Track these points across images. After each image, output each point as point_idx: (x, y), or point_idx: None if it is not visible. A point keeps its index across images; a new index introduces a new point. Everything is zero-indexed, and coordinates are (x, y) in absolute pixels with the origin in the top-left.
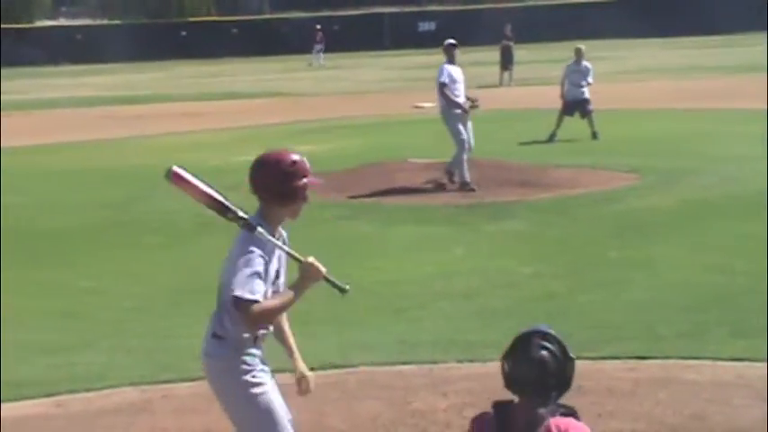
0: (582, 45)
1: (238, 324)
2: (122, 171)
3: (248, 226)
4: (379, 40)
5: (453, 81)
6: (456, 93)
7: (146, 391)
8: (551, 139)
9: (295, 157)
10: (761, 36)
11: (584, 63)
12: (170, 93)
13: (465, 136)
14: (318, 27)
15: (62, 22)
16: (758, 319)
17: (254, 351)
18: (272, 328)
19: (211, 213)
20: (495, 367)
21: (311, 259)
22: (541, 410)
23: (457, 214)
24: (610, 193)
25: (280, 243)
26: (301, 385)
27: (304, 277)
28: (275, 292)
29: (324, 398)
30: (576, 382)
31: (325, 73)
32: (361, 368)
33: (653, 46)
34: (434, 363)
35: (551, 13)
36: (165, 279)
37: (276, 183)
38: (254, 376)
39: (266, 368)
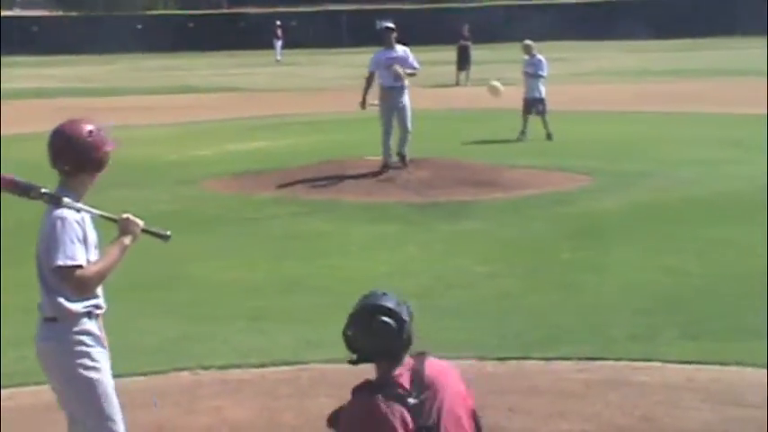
0: (530, 41)
1: (69, 299)
2: None
3: (54, 199)
4: (338, 36)
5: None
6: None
7: None
8: (521, 137)
9: (92, 126)
10: (723, 41)
11: (537, 56)
12: (125, 86)
13: (385, 119)
14: (278, 23)
15: (17, 12)
16: (709, 321)
17: (90, 329)
18: (104, 303)
19: (159, 208)
20: None
21: (126, 215)
22: (415, 365)
23: (411, 213)
24: (564, 195)
25: (89, 208)
26: None
27: (124, 233)
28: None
29: (276, 394)
30: (527, 381)
31: (282, 69)
32: (314, 365)
33: (610, 48)
34: None
35: (509, 14)
36: (115, 274)
37: (82, 154)
38: (91, 358)
39: (104, 349)
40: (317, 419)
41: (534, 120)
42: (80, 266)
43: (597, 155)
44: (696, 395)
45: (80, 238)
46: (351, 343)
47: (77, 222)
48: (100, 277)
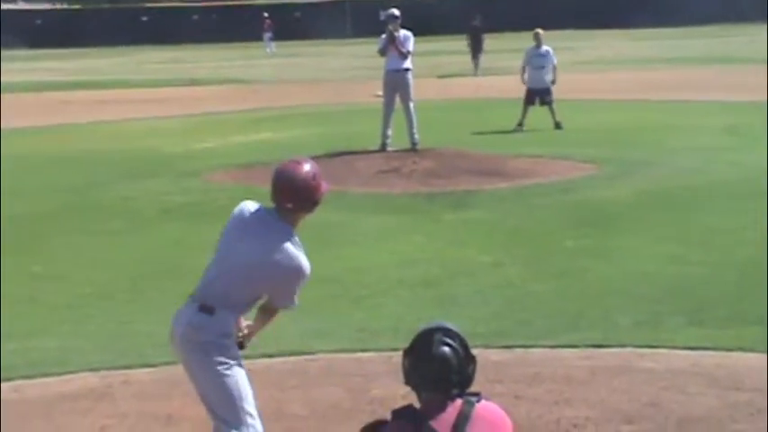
0: (540, 30)
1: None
2: (83, 156)
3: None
4: (342, 27)
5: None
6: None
7: (106, 377)
8: (518, 128)
9: (314, 169)
10: (726, 28)
11: (545, 47)
12: (131, 78)
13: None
14: (266, 15)
15: (21, 5)
16: (713, 308)
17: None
18: None
19: (170, 200)
20: None
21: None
22: (463, 407)
23: (416, 203)
24: (568, 183)
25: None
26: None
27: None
28: None
29: (283, 385)
30: (533, 369)
31: (285, 61)
32: (321, 355)
33: (614, 37)
34: (394, 350)
35: (515, 3)
36: (125, 265)
37: (306, 196)
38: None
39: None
40: (324, 410)
41: (539, 110)
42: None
43: (601, 143)
44: (701, 380)
45: None
46: (405, 368)
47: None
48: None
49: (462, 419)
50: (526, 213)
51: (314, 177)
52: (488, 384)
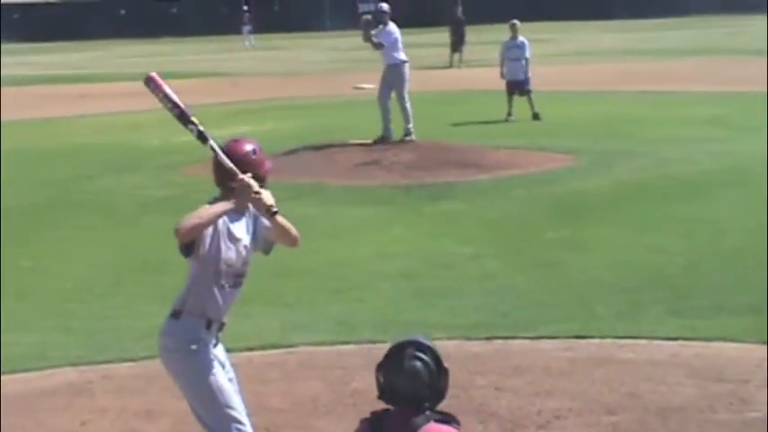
0: (517, 21)
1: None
2: (64, 150)
3: (201, 135)
4: (321, 20)
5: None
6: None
7: (85, 372)
8: (508, 118)
9: (254, 146)
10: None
11: (521, 38)
12: (110, 72)
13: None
14: (245, 8)
15: None
16: (693, 298)
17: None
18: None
19: (151, 194)
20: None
21: (248, 178)
22: (415, 419)
23: (396, 195)
24: (547, 175)
25: (225, 159)
26: None
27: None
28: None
29: (263, 378)
30: (513, 361)
31: (264, 54)
32: (301, 348)
33: (592, 29)
34: (373, 343)
35: None
36: (107, 259)
37: (250, 172)
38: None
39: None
40: (304, 402)
41: (518, 101)
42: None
43: (581, 135)
44: (681, 371)
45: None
46: (379, 382)
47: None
48: (196, 217)
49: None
50: (506, 205)
51: (254, 153)
52: (469, 376)
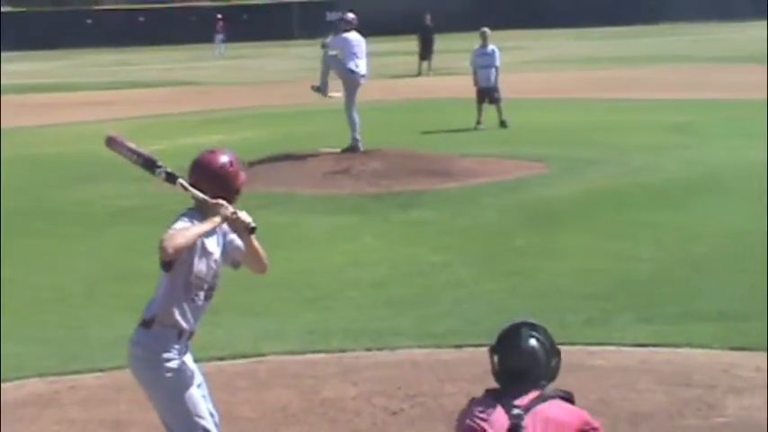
0: (486, 29)
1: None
2: (35, 160)
3: (170, 176)
4: (289, 29)
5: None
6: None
7: (54, 383)
8: (477, 126)
9: (230, 157)
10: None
11: (491, 46)
12: (77, 81)
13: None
14: (219, 16)
15: None
16: (662, 305)
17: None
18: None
19: (123, 203)
20: (404, 355)
21: (222, 201)
22: (544, 391)
23: (366, 203)
24: (517, 182)
25: (195, 191)
26: None
27: (214, 214)
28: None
29: (233, 387)
30: (484, 368)
31: (233, 62)
32: (272, 357)
33: (561, 37)
34: (344, 351)
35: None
36: (80, 269)
37: (223, 184)
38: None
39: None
40: (274, 412)
41: (486, 109)
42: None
43: (550, 142)
44: (650, 377)
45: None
46: (494, 363)
47: (190, 219)
48: (179, 236)
49: (538, 400)
50: (475, 213)
51: (231, 164)
52: (439, 384)
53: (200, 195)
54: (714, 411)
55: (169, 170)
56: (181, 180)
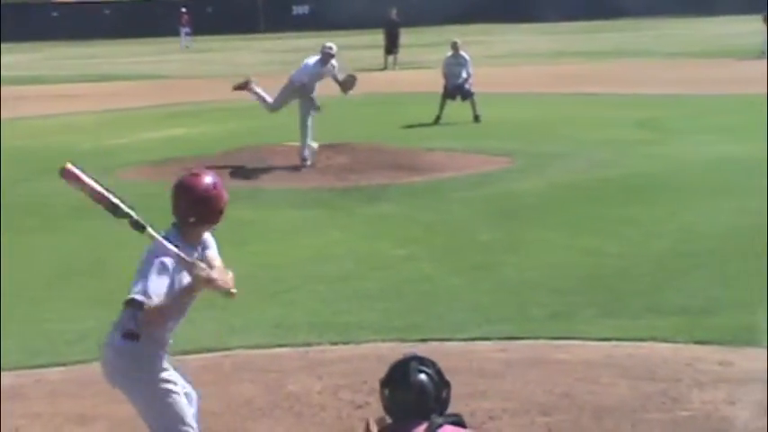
0: (458, 40)
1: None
2: None
3: (137, 225)
4: (254, 23)
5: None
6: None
7: (19, 376)
8: (436, 121)
9: (214, 179)
10: (635, 22)
11: (462, 54)
12: (43, 74)
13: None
14: (184, 10)
15: None
16: (625, 300)
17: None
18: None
19: (84, 197)
20: (369, 349)
21: (204, 271)
22: (433, 420)
23: (332, 198)
24: (482, 177)
25: (170, 246)
26: None
27: (196, 281)
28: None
29: (198, 381)
30: (448, 362)
31: (198, 56)
32: (237, 351)
33: (521, 31)
34: (309, 345)
35: None
36: (42, 263)
37: (207, 207)
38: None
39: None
40: (239, 406)
41: (458, 104)
42: (145, 303)
43: (515, 137)
44: (614, 371)
45: (162, 274)
46: (385, 398)
47: (164, 260)
48: (159, 314)
49: (428, 431)
50: (440, 207)
51: (214, 187)
52: None
53: (174, 250)
54: (678, 405)
55: (135, 217)
56: (149, 229)
